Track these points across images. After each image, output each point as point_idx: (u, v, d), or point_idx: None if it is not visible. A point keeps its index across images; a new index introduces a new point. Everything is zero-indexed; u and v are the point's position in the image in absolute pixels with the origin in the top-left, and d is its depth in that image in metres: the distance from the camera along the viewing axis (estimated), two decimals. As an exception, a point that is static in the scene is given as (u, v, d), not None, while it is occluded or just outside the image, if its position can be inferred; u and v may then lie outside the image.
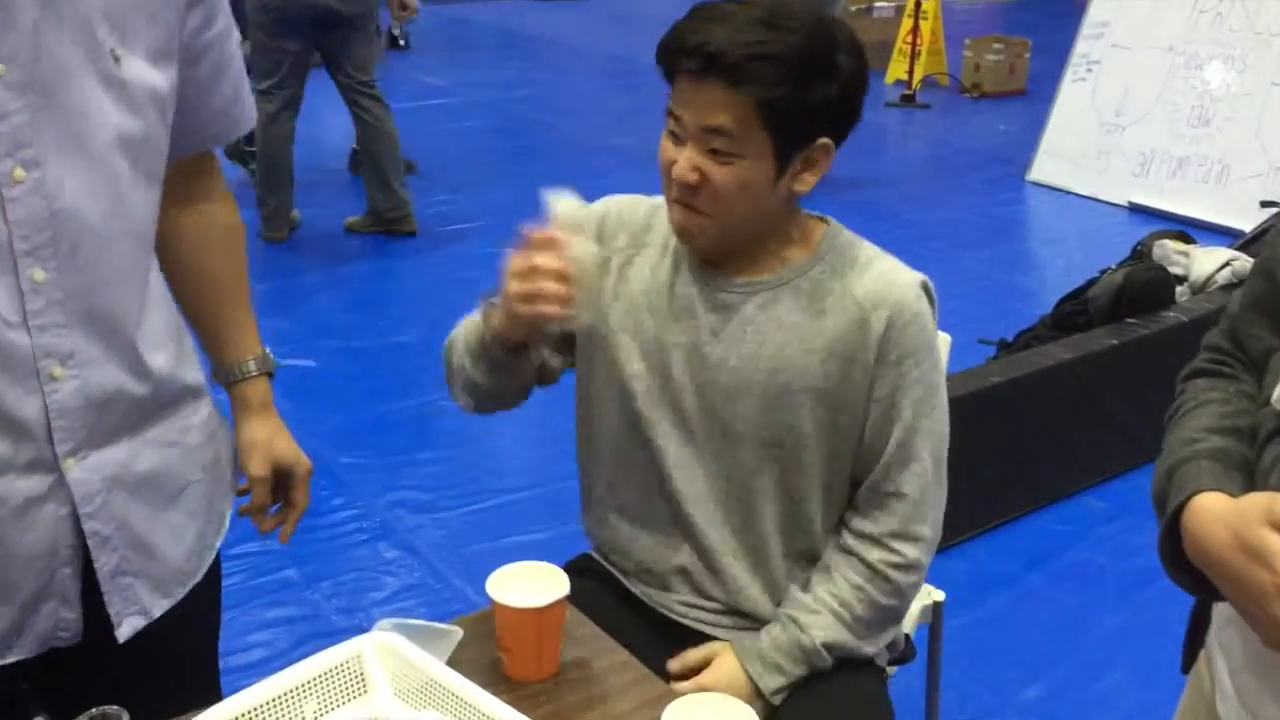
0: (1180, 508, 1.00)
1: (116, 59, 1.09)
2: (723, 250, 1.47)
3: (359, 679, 1.19)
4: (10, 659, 1.17)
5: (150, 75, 1.13)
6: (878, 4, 8.77)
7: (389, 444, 3.40)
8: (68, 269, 1.09)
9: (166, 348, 1.22)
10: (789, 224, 1.47)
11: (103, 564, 1.18)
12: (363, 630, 1.29)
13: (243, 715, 1.11)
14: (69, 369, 1.11)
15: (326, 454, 3.34)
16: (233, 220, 1.40)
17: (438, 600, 2.72)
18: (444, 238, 5.13)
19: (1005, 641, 2.65)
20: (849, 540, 1.50)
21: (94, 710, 1.03)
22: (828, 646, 1.46)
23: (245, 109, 1.32)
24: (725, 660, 1.48)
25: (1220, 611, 1.11)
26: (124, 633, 1.22)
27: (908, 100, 7.55)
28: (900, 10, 8.18)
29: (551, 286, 1.34)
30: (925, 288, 1.47)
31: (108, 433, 1.16)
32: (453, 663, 1.28)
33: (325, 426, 3.50)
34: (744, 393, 1.46)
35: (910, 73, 7.64)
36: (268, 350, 1.43)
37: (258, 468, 1.40)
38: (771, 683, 1.45)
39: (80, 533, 1.16)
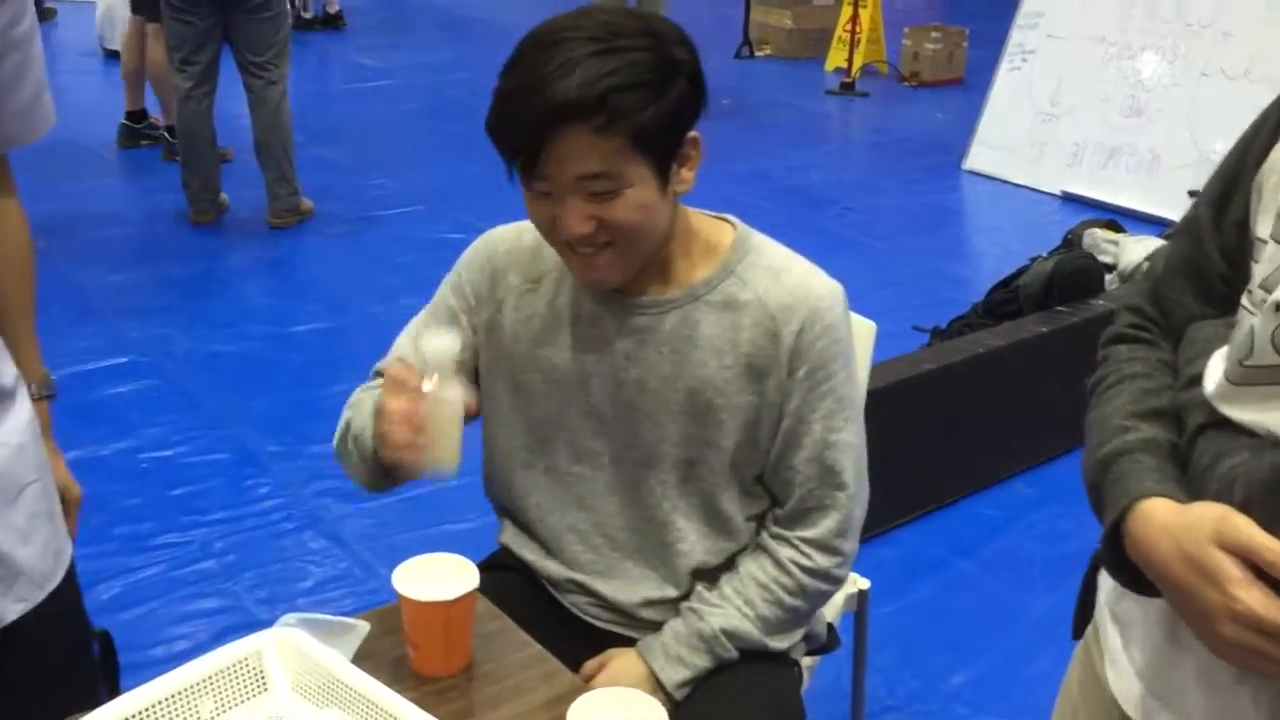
0: (1124, 512, 0.99)
1: None
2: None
3: (259, 676, 1.15)
4: None
5: None
6: (818, -9, 8.77)
7: (318, 431, 3.34)
8: None
9: None
10: (688, 233, 1.43)
11: None
12: (285, 623, 1.25)
13: (134, 715, 1.07)
14: None
15: (253, 441, 3.28)
16: (20, 234, 1.34)
17: (364, 591, 2.68)
18: (381, 221, 5.06)
19: (934, 628, 2.66)
20: (764, 537, 1.49)
21: None
22: (727, 634, 1.44)
23: (44, 113, 1.27)
24: (627, 656, 1.46)
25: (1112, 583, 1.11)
26: None
27: (847, 88, 7.57)
28: (840, -2, 8.19)
29: (399, 434, 1.27)
30: (838, 295, 1.43)
31: None
32: (360, 658, 1.25)
33: (253, 413, 3.43)
34: (663, 413, 1.43)
35: (849, 61, 7.66)
36: (49, 373, 1.38)
37: None
38: (674, 675, 1.43)
39: None
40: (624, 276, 1.40)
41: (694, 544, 1.48)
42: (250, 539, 2.86)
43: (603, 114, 1.24)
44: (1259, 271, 0.98)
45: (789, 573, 1.45)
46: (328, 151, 5.82)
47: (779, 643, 1.48)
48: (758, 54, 8.49)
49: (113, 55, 6.50)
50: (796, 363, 1.40)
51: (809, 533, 1.45)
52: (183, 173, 4.87)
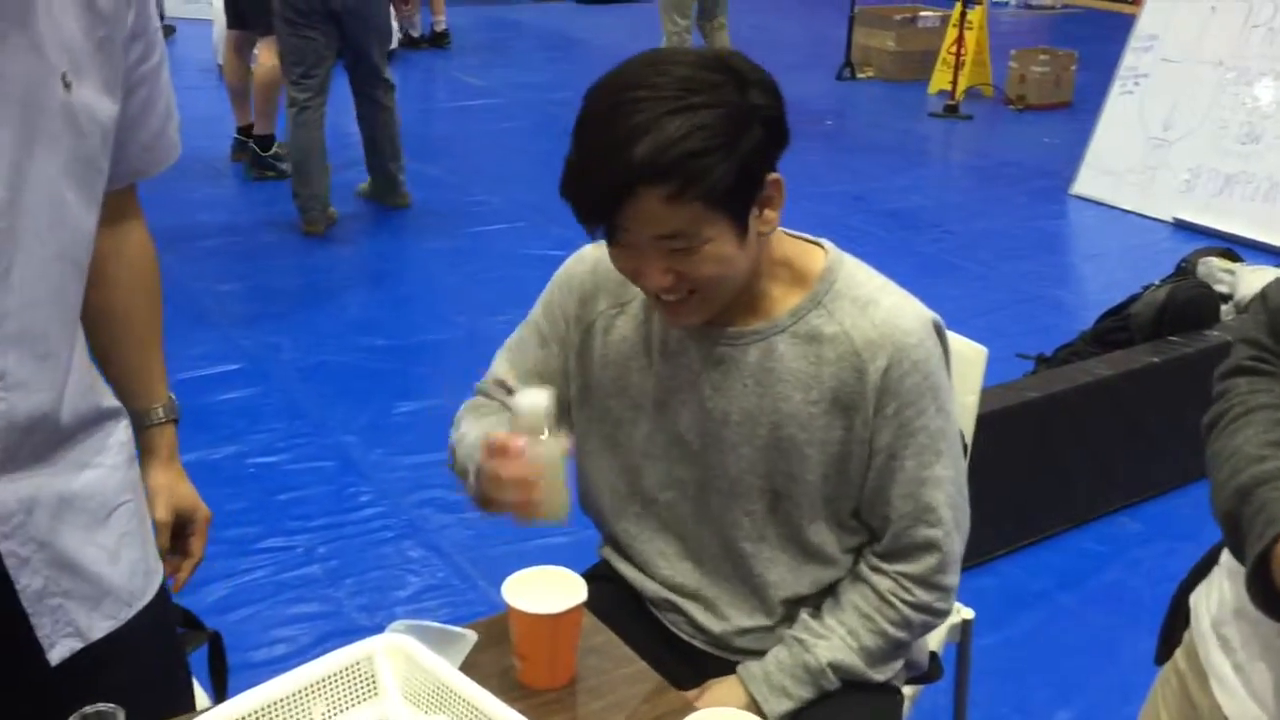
0: (1272, 542, 0.96)
1: (68, 85, 1.08)
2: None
3: (369, 681, 1.17)
4: None
5: (99, 103, 1.12)
6: (922, 13, 8.69)
7: (419, 443, 3.40)
8: (2, 288, 1.06)
9: (89, 372, 1.20)
10: (778, 261, 1.41)
11: (24, 585, 1.14)
12: (383, 629, 1.27)
13: (248, 716, 1.10)
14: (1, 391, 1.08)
15: (356, 450, 3.35)
16: (149, 261, 1.37)
17: (461, 601, 2.71)
18: (483, 236, 5.13)
19: (1036, 662, 2.60)
20: (863, 568, 1.47)
21: (86, 709, 1.00)
22: (834, 667, 1.43)
23: (169, 146, 1.30)
24: (727, 682, 1.45)
25: (1223, 604, 1.07)
26: (56, 656, 1.17)
27: (950, 111, 7.48)
28: (945, 20, 8.11)
29: (511, 496, 1.30)
30: (933, 327, 1.40)
31: (27, 456, 1.13)
32: (467, 667, 1.26)
33: (357, 422, 3.50)
34: (747, 446, 1.42)
35: (954, 83, 7.57)
36: (173, 396, 1.41)
37: (161, 512, 1.38)
38: (777, 706, 1.42)
39: None
40: (710, 315, 1.40)
41: (783, 575, 1.47)
42: (351, 546, 2.92)
43: (675, 181, 1.22)
44: None
45: (891, 605, 1.43)
46: (431, 167, 5.92)
47: (881, 674, 1.47)
48: (860, 76, 8.44)
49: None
50: (884, 400, 1.37)
51: (908, 568, 1.43)
52: (295, 184, 5.02)
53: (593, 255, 1.52)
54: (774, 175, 1.32)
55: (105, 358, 1.34)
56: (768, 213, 1.33)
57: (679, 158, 1.22)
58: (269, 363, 3.87)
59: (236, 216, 5.35)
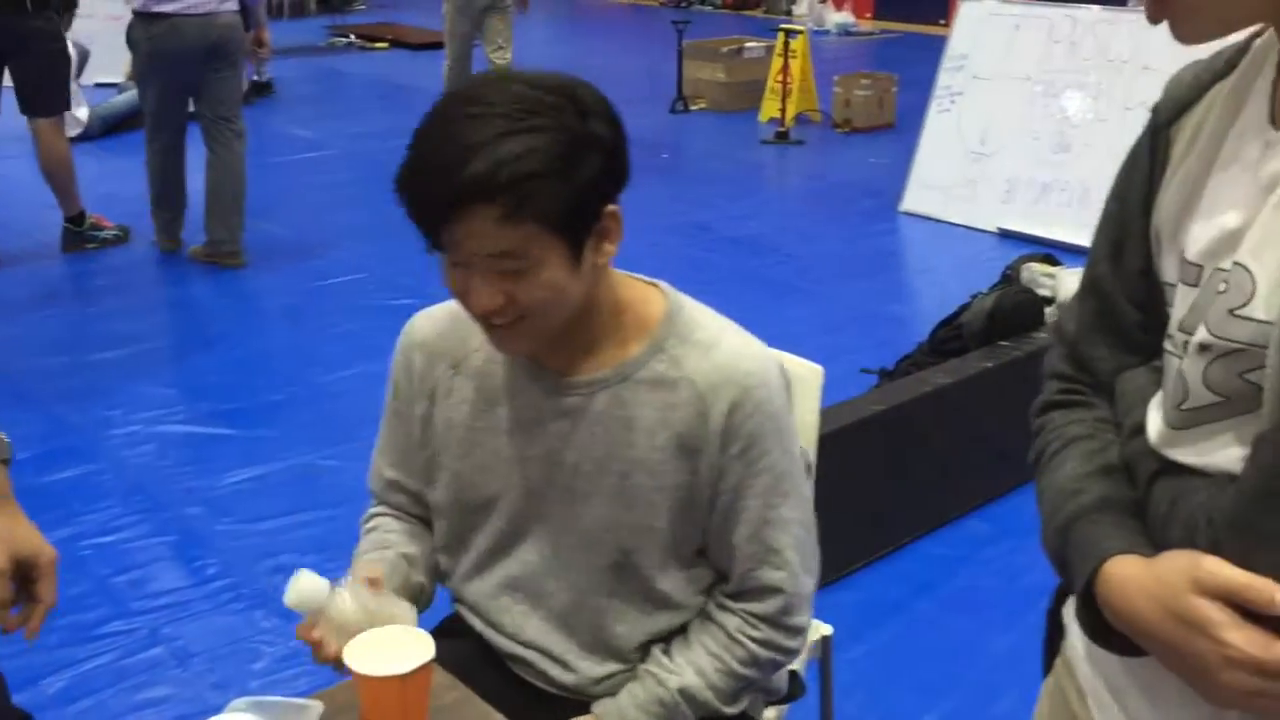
0: (1091, 577, 0.97)
1: None
2: (551, 348, 1.40)
3: (209, 765, 1.11)
4: None
5: None
6: (748, 44, 8.91)
7: (267, 507, 3.29)
8: None
9: None
10: (617, 306, 1.40)
11: None
12: (235, 708, 1.22)
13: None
14: None
15: (199, 522, 3.22)
16: None
17: (319, 670, 2.59)
18: (321, 291, 5.02)
19: (899, 670, 2.64)
20: (711, 607, 1.46)
21: None
22: (686, 698, 1.42)
23: None
24: None
25: None
26: None
27: (781, 137, 7.66)
28: (770, 50, 8.32)
29: (322, 658, 1.34)
30: (776, 368, 1.41)
31: None
32: (315, 739, 1.21)
33: (199, 493, 3.36)
34: (598, 496, 1.41)
35: (782, 110, 7.77)
36: (3, 436, 1.33)
37: None
38: None
39: None
40: (537, 346, 1.39)
41: (633, 625, 1.46)
42: (199, 622, 2.79)
43: (508, 201, 1.21)
44: (1175, 314, 0.98)
45: (740, 643, 1.43)
46: (266, 223, 5.78)
47: (735, 708, 1.47)
48: (692, 108, 8.59)
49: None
50: (728, 441, 1.37)
51: (756, 607, 1.43)
52: (157, 211, 5.32)
53: (419, 326, 1.51)
54: (612, 207, 1.31)
55: None
56: (605, 245, 1.32)
57: (513, 178, 1.20)
58: (100, 437, 3.70)
59: (54, 288, 5.12)
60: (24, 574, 1.32)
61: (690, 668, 1.43)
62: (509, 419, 1.44)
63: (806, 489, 1.47)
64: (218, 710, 1.20)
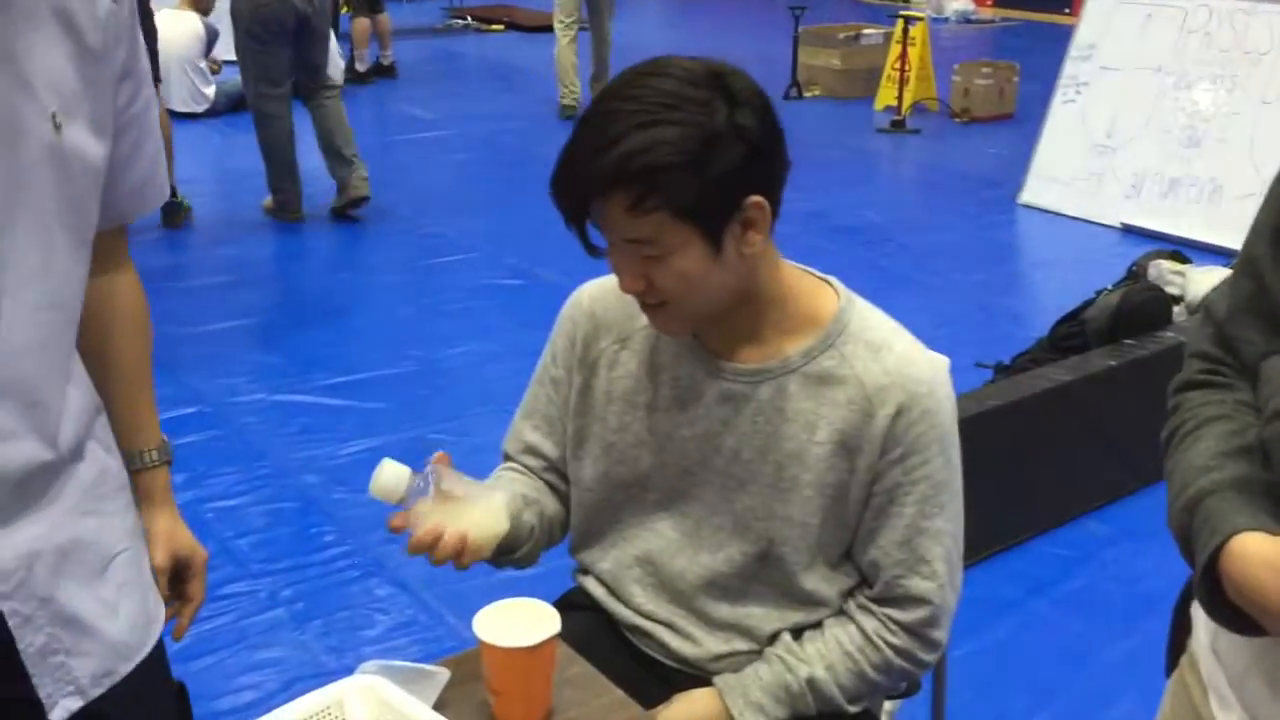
0: (1216, 551, 0.96)
1: (58, 126, 1.05)
2: (713, 329, 1.42)
3: (340, 725, 1.14)
4: None
5: (89, 145, 1.09)
6: (865, 31, 8.79)
7: (381, 479, 3.35)
8: None
9: (82, 407, 1.16)
10: (786, 297, 1.41)
11: (27, 644, 1.10)
12: (352, 670, 1.24)
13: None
14: None
15: (318, 490, 3.30)
16: (138, 301, 1.35)
17: (431, 638, 2.66)
18: (435, 269, 5.10)
19: (1010, 669, 2.60)
20: (851, 606, 1.45)
21: None
22: (813, 690, 1.41)
23: (158, 189, 1.28)
24: (703, 692, 1.43)
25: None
26: (58, 715, 1.13)
27: (897, 126, 7.55)
28: (888, 37, 8.20)
29: (413, 546, 1.32)
30: (945, 375, 1.40)
31: (21, 508, 1.10)
32: (440, 705, 1.23)
33: (318, 462, 3.45)
34: (753, 484, 1.41)
35: (899, 99, 7.65)
36: (166, 438, 1.38)
37: (160, 558, 1.34)
38: None
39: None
40: (691, 329, 1.41)
41: (768, 615, 1.46)
42: (316, 587, 2.87)
43: (636, 191, 1.25)
44: None
45: (876, 647, 1.42)
46: (384, 200, 5.89)
47: (856, 706, 1.46)
48: (806, 95, 8.51)
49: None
50: (890, 445, 1.36)
51: (898, 614, 1.42)
52: (276, 178, 5.55)
53: (590, 294, 1.53)
54: (756, 198, 1.31)
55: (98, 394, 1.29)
56: (750, 234, 1.32)
57: (638, 170, 1.24)
58: (225, 405, 3.82)
59: (170, 261, 5.28)
60: (178, 573, 1.37)
61: (821, 661, 1.42)
62: (670, 398, 1.45)
63: (961, 504, 1.44)
64: (333, 673, 1.23)
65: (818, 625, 1.46)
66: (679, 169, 1.24)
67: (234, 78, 7.92)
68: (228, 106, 7.64)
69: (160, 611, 1.29)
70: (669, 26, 11.87)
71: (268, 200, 5.68)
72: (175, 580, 1.37)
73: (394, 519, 1.32)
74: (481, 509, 1.33)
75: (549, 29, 7.84)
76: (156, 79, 5.39)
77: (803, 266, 1.46)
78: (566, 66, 7.59)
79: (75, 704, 1.14)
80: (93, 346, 1.26)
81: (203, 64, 7.70)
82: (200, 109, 7.66)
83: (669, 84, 1.27)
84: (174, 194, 5.45)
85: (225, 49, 8.31)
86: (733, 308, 1.38)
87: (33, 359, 1.07)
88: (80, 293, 1.14)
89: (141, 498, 1.34)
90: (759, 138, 1.29)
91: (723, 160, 1.26)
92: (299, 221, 5.62)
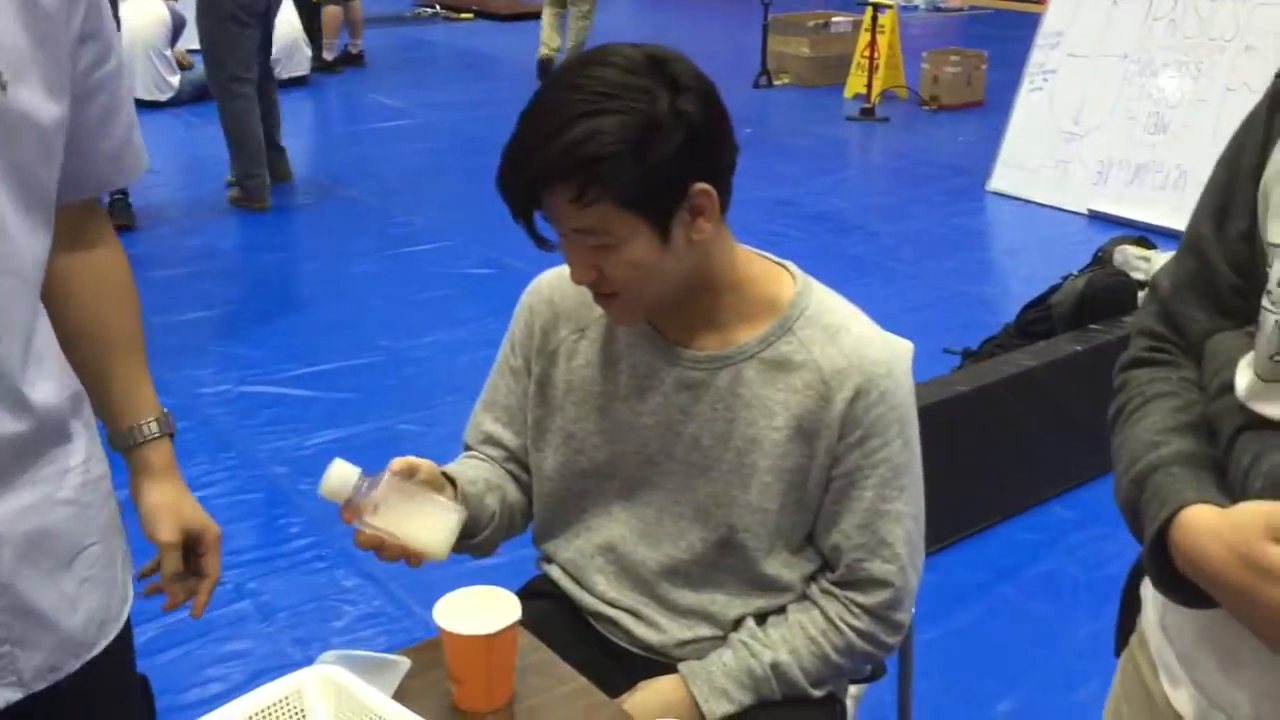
0: (1165, 524, 0.97)
1: (2, 85, 1.01)
2: (669, 317, 1.41)
3: (300, 715, 1.13)
4: None
5: (40, 107, 1.05)
6: (835, 19, 8.80)
7: (349, 469, 3.33)
8: None
9: (51, 386, 1.13)
10: (743, 283, 1.40)
11: None
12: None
13: (175, 758, 1.05)
14: None
15: (286, 481, 3.28)
16: (124, 271, 1.31)
17: (398, 629, 2.66)
18: (404, 259, 5.07)
19: (977, 654, 2.61)
20: (813, 590, 1.46)
21: None
22: (777, 675, 1.42)
23: (136, 155, 1.25)
24: (667, 680, 1.43)
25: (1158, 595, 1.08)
26: None
27: (867, 114, 7.57)
28: (857, 25, 8.21)
29: (382, 554, 1.32)
30: (904, 360, 1.40)
31: None
32: (401, 694, 1.23)
33: (285, 453, 3.43)
34: (715, 470, 1.41)
35: (869, 86, 7.66)
36: (167, 411, 1.34)
37: (167, 533, 1.30)
38: (717, 707, 1.41)
39: None
40: (645, 317, 1.41)
41: (731, 601, 1.46)
42: (283, 579, 2.85)
43: (579, 182, 1.24)
44: (1275, 273, 0.96)
45: (839, 630, 1.42)
46: (353, 190, 5.86)
47: (820, 690, 1.46)
48: (776, 83, 8.51)
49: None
50: (848, 429, 1.36)
51: (860, 598, 1.42)
52: (242, 166, 5.53)
53: (548, 284, 1.52)
54: (702, 185, 1.30)
55: (90, 376, 1.25)
56: (700, 221, 1.32)
57: (579, 161, 1.24)
58: (192, 396, 3.78)
59: (143, 250, 5.23)
60: (189, 548, 1.33)
61: (784, 645, 1.42)
62: (629, 386, 1.45)
63: (921, 486, 1.45)
64: (300, 664, 1.22)
65: (781, 610, 1.46)
66: (620, 158, 1.24)
67: (199, 67, 7.89)
68: (192, 95, 7.56)
69: (123, 610, 1.25)
70: (640, 14, 11.85)
71: (234, 191, 5.64)
72: (189, 556, 1.33)
73: (343, 512, 1.31)
74: (427, 524, 1.30)
75: (520, 17, 7.84)
76: None
77: (759, 252, 1.45)
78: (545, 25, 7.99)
79: (14, 695, 1.11)
80: (81, 322, 1.24)
81: (168, 52, 7.62)
82: (164, 97, 7.59)
83: (610, 73, 1.26)
84: (122, 192, 5.30)
85: (190, 39, 8.26)
86: (688, 295, 1.38)
87: None
88: (37, 264, 1.10)
89: (141, 473, 1.31)
90: (702, 124, 1.28)
91: (664, 148, 1.25)
92: (265, 210, 5.58)
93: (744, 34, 9.20)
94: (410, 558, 1.31)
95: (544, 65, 8.02)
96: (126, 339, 1.30)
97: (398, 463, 1.33)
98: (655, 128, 1.25)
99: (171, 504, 1.31)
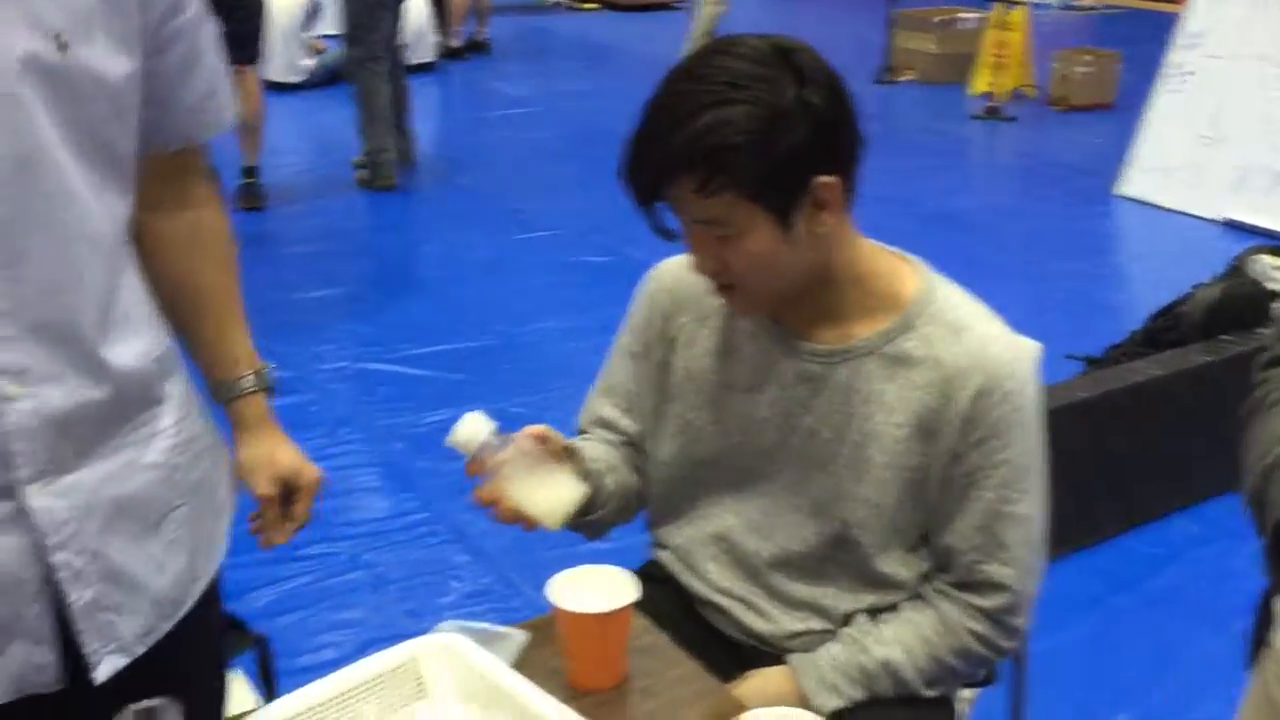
0: None
1: (63, 45, 1.00)
2: (790, 309, 1.40)
3: (418, 681, 1.15)
4: None
5: (106, 64, 1.04)
6: (961, 15, 8.63)
7: (464, 449, 3.39)
8: (11, 279, 1.00)
9: (135, 348, 1.12)
10: (866, 276, 1.39)
11: (76, 599, 1.08)
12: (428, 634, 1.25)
13: (300, 714, 1.08)
14: (24, 386, 1.02)
15: (400, 457, 3.34)
16: (218, 224, 1.30)
17: (506, 607, 2.69)
18: (522, 245, 5.13)
19: (1093, 666, 2.55)
20: (929, 590, 1.43)
21: (138, 705, 0.97)
22: (889, 673, 1.40)
23: (220, 108, 1.22)
24: (777, 672, 1.42)
25: None
26: (103, 673, 1.11)
27: (993, 113, 7.41)
28: (983, 21, 8.04)
29: (497, 512, 1.32)
30: (1030, 361, 1.37)
31: (75, 454, 1.07)
32: (516, 668, 1.24)
33: (400, 430, 3.49)
34: (831, 465, 1.40)
35: (996, 85, 7.50)
36: (266, 364, 1.34)
37: (263, 486, 1.32)
38: (827, 702, 1.39)
39: (48, 565, 1.06)
40: (766, 309, 1.40)
41: (843, 595, 1.44)
42: (396, 552, 2.91)
43: (703, 172, 1.24)
44: None
45: (954, 632, 1.40)
46: (471, 176, 5.94)
47: (933, 691, 1.44)
48: (899, 79, 8.38)
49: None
50: (969, 428, 1.33)
51: (978, 600, 1.40)
52: (373, 140, 5.62)
53: (669, 271, 1.53)
54: (826, 178, 1.28)
55: (186, 329, 1.27)
56: (824, 215, 1.30)
57: (704, 151, 1.23)
58: (311, 371, 3.88)
59: (261, 229, 5.37)
60: (287, 495, 1.36)
61: (898, 644, 1.40)
62: (749, 376, 1.44)
63: (1043, 490, 1.41)
64: (410, 636, 1.23)
65: (893, 608, 1.44)
66: (745, 149, 1.23)
67: (334, 50, 8.05)
68: (323, 79, 7.74)
69: (208, 568, 1.25)
70: (760, 6, 11.78)
71: (362, 172, 5.75)
72: (285, 501, 1.35)
73: (469, 465, 1.32)
74: (549, 493, 1.31)
75: (645, 8, 7.82)
76: (261, 53, 5.45)
77: (886, 246, 1.43)
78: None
79: (120, 662, 1.12)
80: (172, 277, 1.24)
81: (303, 35, 7.81)
82: (296, 80, 7.78)
83: (736, 63, 1.25)
84: (253, 174, 5.42)
85: (324, 26, 8.44)
86: (809, 287, 1.36)
87: (67, 298, 1.04)
88: (115, 223, 1.09)
89: (238, 426, 1.32)
90: (828, 115, 1.27)
91: (789, 139, 1.24)
92: (392, 189, 5.68)
93: (867, 29, 9.07)
94: (525, 521, 1.32)
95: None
96: (219, 294, 1.30)
97: (530, 429, 1.34)
98: (781, 119, 1.24)
99: (265, 457, 1.32)
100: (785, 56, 1.26)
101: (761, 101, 1.23)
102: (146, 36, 1.09)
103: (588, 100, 7.59)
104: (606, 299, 4.39)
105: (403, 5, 5.62)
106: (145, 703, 0.97)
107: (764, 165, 1.24)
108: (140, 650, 1.14)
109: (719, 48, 1.29)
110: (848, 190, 1.32)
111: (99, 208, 1.06)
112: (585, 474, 1.42)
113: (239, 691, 1.76)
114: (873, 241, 1.42)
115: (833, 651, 1.42)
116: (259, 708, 1.16)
